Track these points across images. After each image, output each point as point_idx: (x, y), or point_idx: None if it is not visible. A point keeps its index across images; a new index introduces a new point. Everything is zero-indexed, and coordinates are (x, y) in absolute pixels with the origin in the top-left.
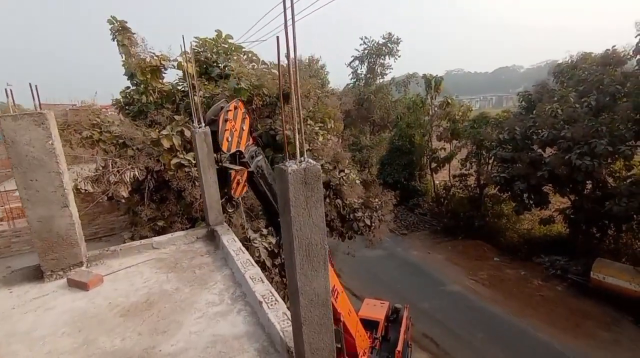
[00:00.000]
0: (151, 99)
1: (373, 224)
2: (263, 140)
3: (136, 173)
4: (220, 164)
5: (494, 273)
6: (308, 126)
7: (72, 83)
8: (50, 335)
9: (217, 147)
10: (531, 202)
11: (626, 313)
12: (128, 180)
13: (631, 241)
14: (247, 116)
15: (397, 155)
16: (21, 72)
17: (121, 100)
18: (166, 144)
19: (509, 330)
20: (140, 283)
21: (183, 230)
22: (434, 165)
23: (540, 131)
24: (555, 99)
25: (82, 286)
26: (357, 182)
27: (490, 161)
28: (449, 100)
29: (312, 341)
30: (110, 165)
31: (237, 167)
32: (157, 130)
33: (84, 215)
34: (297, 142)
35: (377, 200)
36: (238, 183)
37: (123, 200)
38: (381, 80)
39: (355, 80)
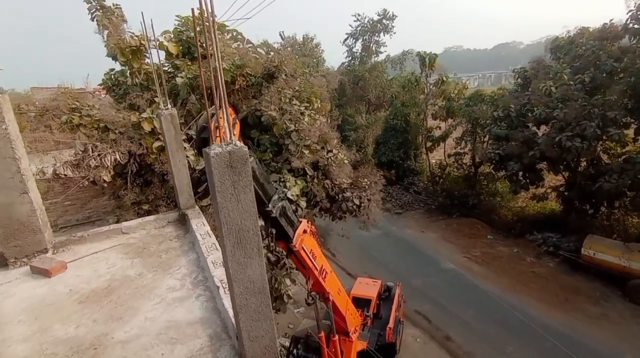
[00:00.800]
0: (137, 80)
1: (362, 204)
2: (249, 122)
3: (117, 157)
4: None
5: (487, 250)
6: (294, 106)
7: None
8: (7, 323)
9: None
10: (526, 181)
11: (615, 288)
12: (109, 164)
13: (623, 218)
14: (237, 121)
15: (392, 135)
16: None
17: (108, 82)
18: (147, 127)
19: (500, 306)
20: (104, 269)
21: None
22: (429, 144)
23: (534, 109)
24: (551, 75)
25: (44, 273)
26: (346, 162)
27: (485, 139)
28: (444, 78)
29: (250, 329)
30: (91, 150)
31: None
32: (137, 114)
33: (75, 200)
34: (226, 125)
35: (366, 180)
36: None
37: (105, 185)
38: (376, 58)
39: (350, 58)
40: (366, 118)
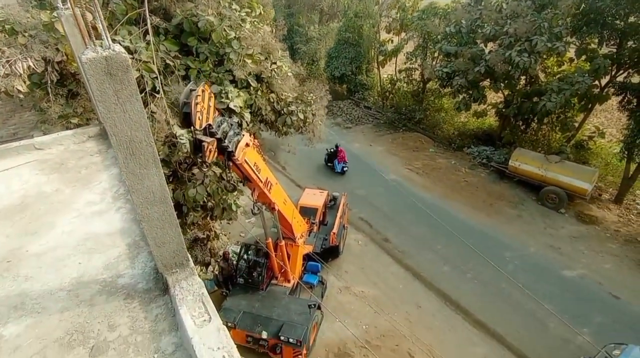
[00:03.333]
0: None
1: (307, 119)
2: (185, 28)
3: (31, 64)
4: (194, 136)
5: (427, 162)
6: (234, 11)
7: None
8: None
9: (189, 123)
10: (470, 98)
11: (531, 194)
12: (22, 71)
13: (548, 133)
14: (212, 95)
15: (344, 48)
16: None
17: None
18: (62, 29)
19: (434, 212)
20: (18, 186)
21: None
22: (381, 58)
23: (485, 25)
24: None
25: None
26: (290, 74)
27: (436, 55)
28: None
29: (156, 236)
30: None
31: (209, 139)
32: (49, 12)
33: None
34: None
35: (312, 94)
36: (210, 151)
37: (22, 96)
38: None
39: None
40: (318, 29)
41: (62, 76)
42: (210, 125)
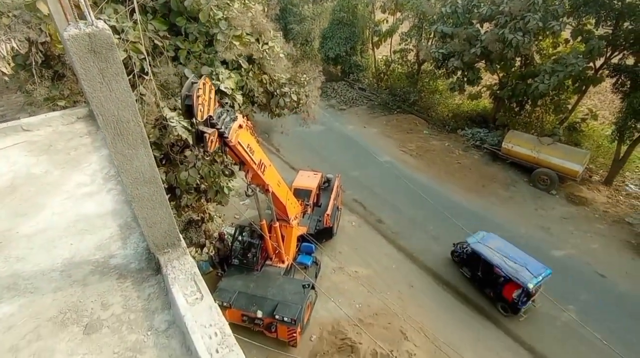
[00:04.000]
0: None
1: (300, 100)
2: (172, 7)
3: (15, 45)
4: (196, 127)
5: (421, 144)
6: None
7: None
8: None
9: (190, 115)
10: (465, 79)
11: (523, 175)
12: (6, 54)
13: (542, 115)
14: (212, 87)
15: (338, 28)
16: None
17: None
18: (44, 9)
19: (427, 193)
20: (6, 168)
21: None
22: (375, 39)
23: (481, 5)
24: None
25: None
26: (282, 55)
27: (431, 36)
28: None
29: (147, 216)
30: None
31: (210, 130)
32: None
33: None
34: None
35: (305, 75)
36: (212, 142)
37: (7, 78)
38: None
39: None
40: (312, 9)
41: (47, 57)
42: (210, 116)
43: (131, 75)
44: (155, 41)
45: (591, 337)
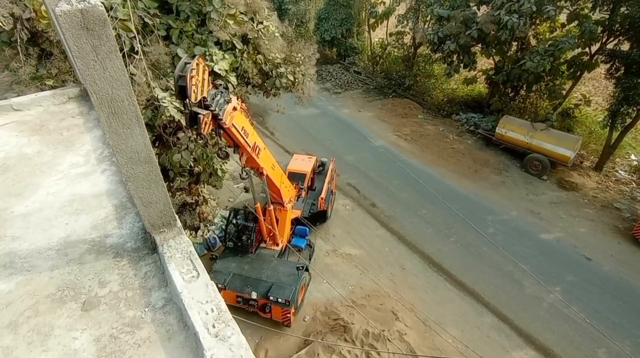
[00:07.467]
0: None
1: (297, 79)
2: None
3: None
4: (189, 109)
5: (416, 129)
6: None
7: None
8: None
9: (184, 96)
10: (460, 63)
11: (515, 160)
12: None
13: (536, 101)
14: (206, 68)
15: (334, 9)
16: None
17: None
18: None
19: (421, 178)
20: None
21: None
22: (371, 21)
23: None
24: None
25: None
26: (277, 35)
27: (428, 19)
28: None
29: (143, 196)
30: None
31: (204, 112)
32: None
33: None
34: None
35: (300, 54)
36: (206, 124)
37: None
38: None
39: None
40: None
41: (32, 34)
42: (204, 98)
43: (121, 55)
44: (146, 19)
45: (576, 316)
